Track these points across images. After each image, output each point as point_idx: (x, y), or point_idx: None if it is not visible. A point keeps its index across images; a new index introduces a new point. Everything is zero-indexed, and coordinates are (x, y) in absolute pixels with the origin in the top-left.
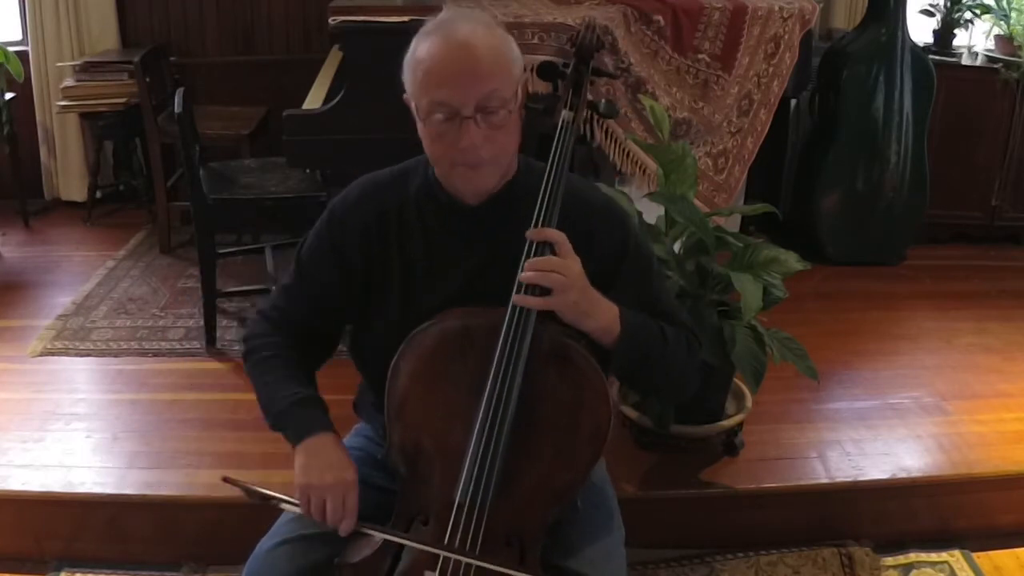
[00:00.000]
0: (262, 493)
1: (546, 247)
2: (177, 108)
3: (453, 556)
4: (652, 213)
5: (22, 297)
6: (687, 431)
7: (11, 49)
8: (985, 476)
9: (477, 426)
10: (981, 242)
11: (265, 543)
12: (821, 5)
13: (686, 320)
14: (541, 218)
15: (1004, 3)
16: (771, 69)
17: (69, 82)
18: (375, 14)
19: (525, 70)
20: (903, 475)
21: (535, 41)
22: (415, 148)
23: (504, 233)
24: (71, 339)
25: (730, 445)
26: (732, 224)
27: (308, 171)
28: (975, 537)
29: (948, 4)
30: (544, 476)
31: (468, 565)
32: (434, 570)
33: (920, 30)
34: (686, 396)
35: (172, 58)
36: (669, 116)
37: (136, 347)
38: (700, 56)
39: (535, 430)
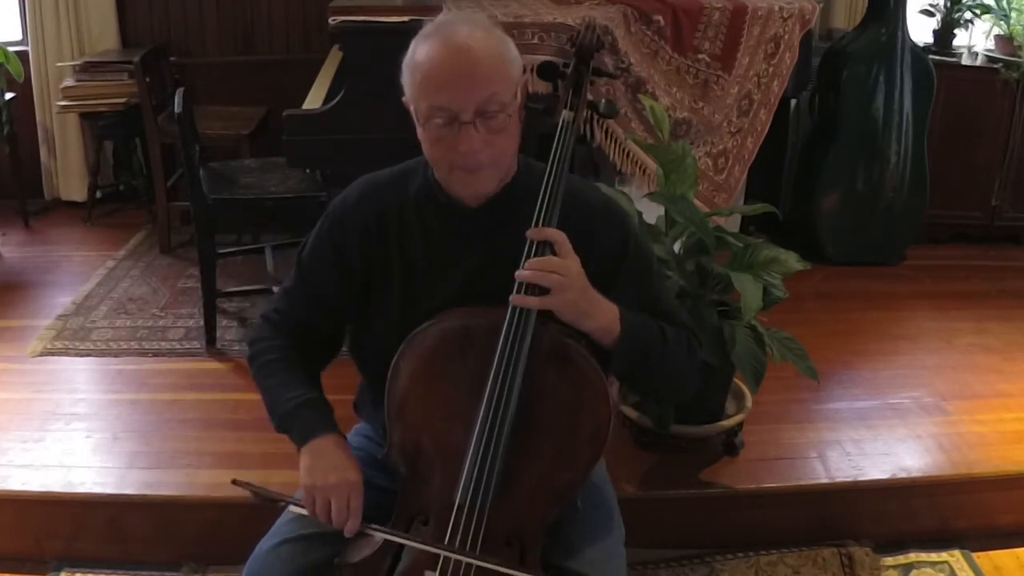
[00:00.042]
0: (270, 495)
1: (546, 247)
2: (177, 108)
3: (454, 556)
4: (652, 213)
5: (22, 297)
6: (687, 431)
7: (11, 49)
8: (985, 476)
9: (477, 426)
10: (981, 242)
11: (265, 543)
12: (821, 5)
13: (686, 320)
14: (541, 218)
15: (1004, 3)
16: (771, 69)
17: (69, 82)
18: (375, 14)
19: (525, 70)
20: (903, 475)
21: (535, 41)
22: (415, 148)
23: (504, 234)
24: (71, 339)
25: (730, 445)
26: (732, 224)
27: (308, 171)
28: (975, 537)
29: (948, 4)
30: (544, 476)
31: (468, 565)
32: (434, 570)
33: (920, 30)
34: (686, 396)
35: (172, 58)
36: (669, 116)
37: (136, 347)
38: (700, 56)
39: (535, 430)
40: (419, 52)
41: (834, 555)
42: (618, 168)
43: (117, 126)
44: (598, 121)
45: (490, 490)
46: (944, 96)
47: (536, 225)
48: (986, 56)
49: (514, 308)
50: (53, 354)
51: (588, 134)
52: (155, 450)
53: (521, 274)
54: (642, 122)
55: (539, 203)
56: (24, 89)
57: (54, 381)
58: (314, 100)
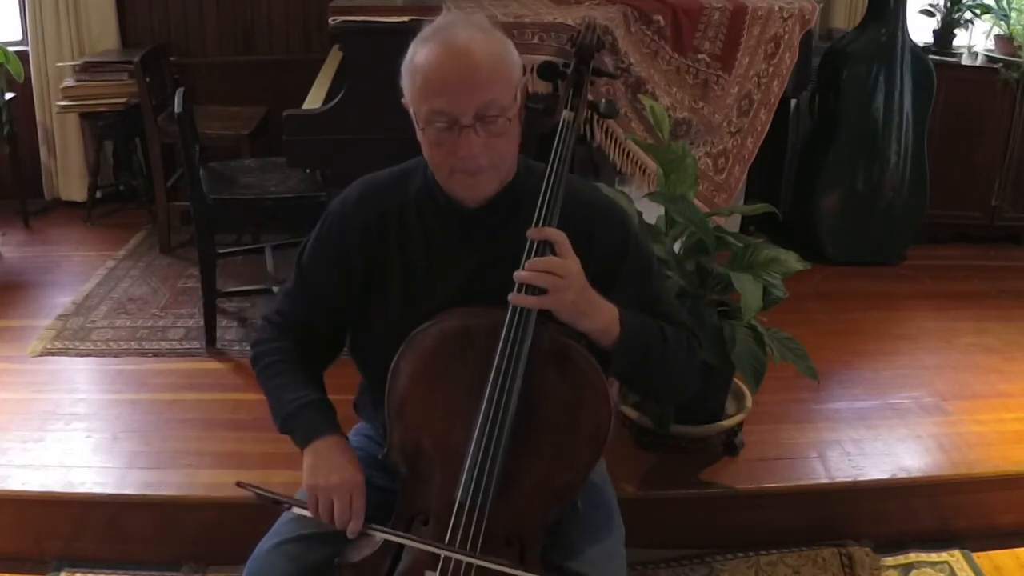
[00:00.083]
0: (275, 498)
1: (546, 246)
2: (177, 108)
3: (454, 555)
4: (652, 213)
5: (22, 297)
6: (687, 431)
7: (11, 49)
8: (985, 476)
9: (477, 426)
10: (981, 242)
11: (265, 543)
12: (821, 5)
13: (686, 320)
14: (542, 218)
15: (1004, 3)
16: (771, 69)
17: (69, 82)
18: (375, 14)
19: (525, 71)
20: (903, 475)
21: (535, 41)
22: (415, 148)
23: (504, 234)
24: (71, 339)
25: (730, 445)
26: (732, 224)
27: (308, 171)
28: (975, 537)
29: (948, 4)
30: (544, 476)
31: (469, 565)
32: (435, 570)
33: (920, 30)
34: (686, 397)
35: (172, 58)
36: (669, 116)
37: (136, 347)
38: (700, 56)
39: (535, 430)
40: (419, 55)
41: (834, 555)
42: (618, 168)
43: (117, 126)
44: (598, 121)
45: (490, 490)
46: (944, 96)
47: (536, 225)
48: (986, 56)
49: (514, 308)
50: (53, 354)
51: (588, 134)
52: (155, 450)
53: (519, 275)
54: (642, 122)
55: (539, 203)
56: (24, 89)
57: (54, 381)
58: (314, 100)
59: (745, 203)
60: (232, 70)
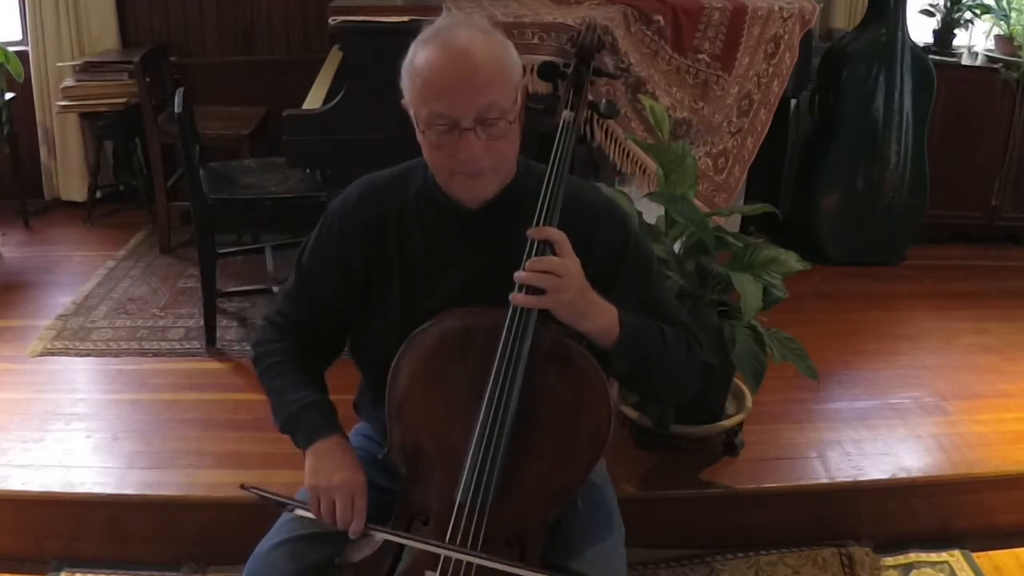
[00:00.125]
0: (278, 499)
1: (546, 246)
2: (177, 108)
3: (455, 554)
4: (652, 213)
5: (22, 297)
6: (687, 431)
7: (11, 49)
8: (985, 476)
9: (477, 426)
10: (981, 242)
11: (265, 543)
12: (821, 5)
13: (686, 321)
14: (542, 219)
15: (1004, 3)
16: (771, 69)
17: (69, 82)
18: (375, 14)
19: (525, 71)
20: (903, 475)
21: (535, 41)
22: (415, 148)
23: (504, 234)
24: (71, 339)
25: (730, 445)
26: (732, 224)
27: (308, 171)
28: (975, 537)
29: (948, 4)
30: (544, 476)
31: (469, 565)
32: (435, 570)
33: (920, 30)
34: (686, 397)
35: (172, 58)
36: (669, 116)
37: (136, 347)
38: (700, 56)
39: (535, 430)
40: (419, 57)
41: (834, 555)
42: (618, 168)
43: (117, 126)
44: (598, 121)
45: (490, 490)
46: (944, 96)
47: (536, 225)
48: (986, 56)
49: (514, 308)
50: (53, 354)
51: (588, 134)
52: (155, 450)
53: (519, 275)
54: (642, 122)
55: (539, 203)
56: (24, 89)
57: (54, 381)
58: (314, 100)
59: (745, 203)
60: (232, 70)
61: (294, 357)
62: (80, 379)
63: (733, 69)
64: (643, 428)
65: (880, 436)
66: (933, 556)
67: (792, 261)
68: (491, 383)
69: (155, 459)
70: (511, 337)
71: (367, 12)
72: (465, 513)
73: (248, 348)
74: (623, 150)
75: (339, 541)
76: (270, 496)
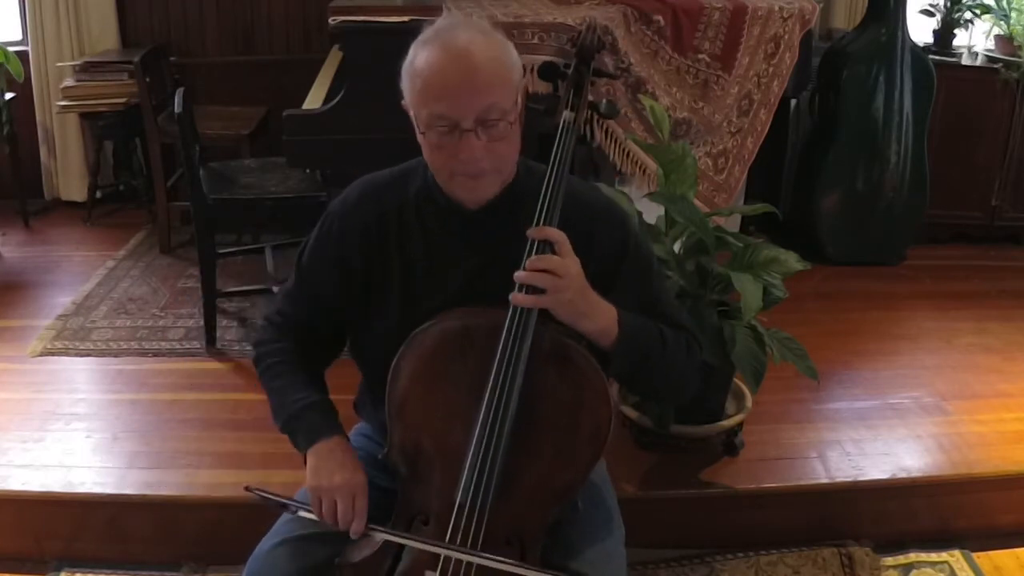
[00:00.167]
0: (281, 501)
1: (546, 246)
2: (177, 108)
3: (455, 554)
4: (652, 213)
5: (22, 297)
6: (687, 431)
7: (11, 49)
8: (985, 476)
9: (477, 426)
10: (981, 242)
11: (265, 543)
12: (821, 5)
13: (686, 321)
14: (542, 219)
15: (1004, 3)
16: (771, 69)
17: (69, 82)
18: (375, 14)
19: (525, 71)
20: (903, 475)
21: (535, 41)
22: (415, 148)
23: (504, 235)
24: (71, 339)
25: (730, 445)
26: (732, 224)
27: (308, 171)
28: (975, 537)
29: (948, 4)
30: (544, 476)
31: (469, 565)
32: (435, 570)
33: (920, 30)
34: (686, 398)
35: (172, 58)
36: (669, 116)
37: (136, 347)
38: (700, 56)
39: (535, 430)
40: (419, 58)
41: (834, 555)
42: (618, 168)
43: (117, 126)
44: (598, 121)
45: (490, 490)
46: (944, 96)
47: (537, 225)
48: (986, 56)
49: (515, 308)
50: (53, 354)
51: (588, 134)
52: (155, 450)
53: (519, 275)
54: (642, 122)
55: (540, 203)
56: (24, 89)
57: (54, 381)
58: (314, 100)
59: (745, 203)
60: (232, 70)
61: (294, 357)
62: (80, 379)
63: (733, 69)
64: (643, 428)
65: (880, 436)
66: (933, 556)
67: (792, 261)
68: (491, 383)
69: (155, 459)
70: (511, 337)
71: (367, 12)
72: (465, 513)
73: (248, 348)
74: (623, 150)
75: (339, 541)
76: (273, 498)
